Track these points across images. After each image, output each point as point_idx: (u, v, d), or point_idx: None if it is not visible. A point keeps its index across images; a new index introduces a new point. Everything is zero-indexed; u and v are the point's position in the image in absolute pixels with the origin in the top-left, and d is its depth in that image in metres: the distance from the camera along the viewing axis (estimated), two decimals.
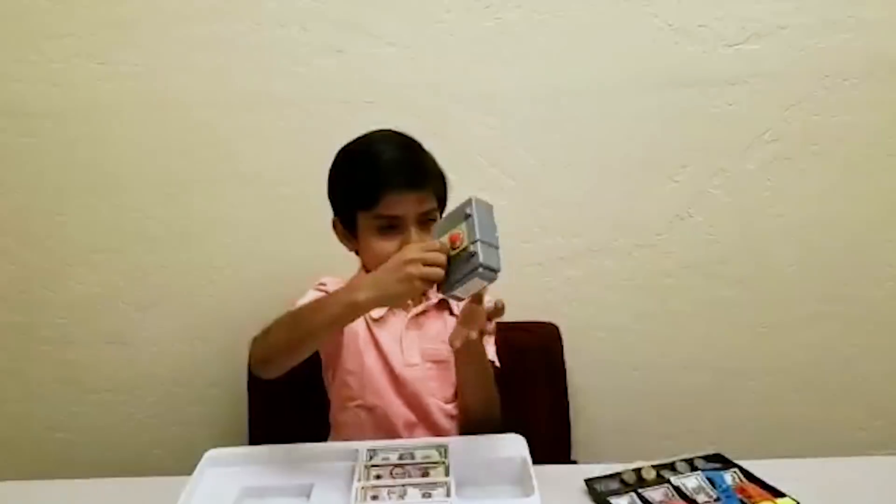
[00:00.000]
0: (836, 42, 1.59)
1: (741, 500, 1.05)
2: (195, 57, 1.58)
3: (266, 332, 1.15)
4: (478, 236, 0.98)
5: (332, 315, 1.07)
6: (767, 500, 1.05)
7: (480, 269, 0.97)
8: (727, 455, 1.17)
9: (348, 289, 1.11)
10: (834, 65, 1.60)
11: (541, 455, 1.14)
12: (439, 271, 1.00)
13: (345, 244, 1.32)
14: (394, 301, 1.12)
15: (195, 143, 1.62)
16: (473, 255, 0.98)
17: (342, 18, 1.57)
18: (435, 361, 1.31)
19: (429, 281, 1.01)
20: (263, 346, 1.15)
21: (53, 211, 1.64)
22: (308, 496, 1.07)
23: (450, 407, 1.32)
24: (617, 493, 1.08)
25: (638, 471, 1.13)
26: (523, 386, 1.40)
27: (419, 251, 1.02)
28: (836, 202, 1.67)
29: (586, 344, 1.68)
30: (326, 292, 1.26)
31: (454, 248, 1.01)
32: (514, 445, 1.15)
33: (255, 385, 1.55)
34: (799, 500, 1.04)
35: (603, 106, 1.62)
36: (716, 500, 1.06)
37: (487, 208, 1.03)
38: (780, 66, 1.60)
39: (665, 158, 1.64)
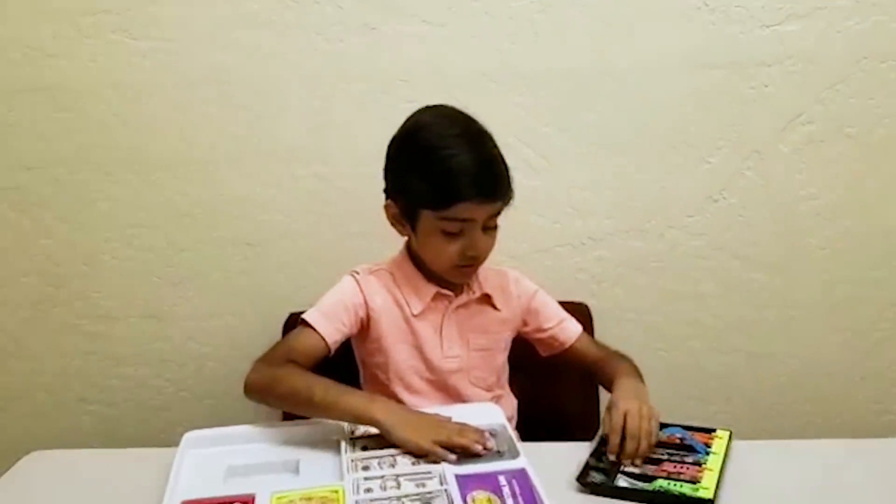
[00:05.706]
0: (874, 23, 1.57)
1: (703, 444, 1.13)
2: (229, 34, 1.58)
3: (273, 375, 1.15)
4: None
5: (343, 412, 1.11)
6: (708, 439, 1.15)
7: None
8: None
9: (371, 399, 1.11)
10: (872, 47, 1.58)
11: (570, 432, 1.15)
12: (452, 457, 1.03)
13: (396, 229, 1.26)
14: (401, 443, 1.06)
15: (229, 121, 1.62)
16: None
17: None
18: (479, 350, 1.29)
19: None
20: (265, 387, 1.16)
21: (89, 186, 1.65)
22: (297, 471, 1.06)
23: (489, 394, 1.30)
24: (607, 474, 1.06)
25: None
26: (553, 365, 1.41)
27: (461, 442, 1.04)
28: (870, 186, 1.66)
29: (616, 325, 1.68)
30: (358, 283, 1.25)
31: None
32: (491, 414, 1.16)
33: None
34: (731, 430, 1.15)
35: (638, 86, 1.61)
36: (681, 450, 1.13)
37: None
38: (817, 47, 1.58)
39: (698, 140, 1.63)
